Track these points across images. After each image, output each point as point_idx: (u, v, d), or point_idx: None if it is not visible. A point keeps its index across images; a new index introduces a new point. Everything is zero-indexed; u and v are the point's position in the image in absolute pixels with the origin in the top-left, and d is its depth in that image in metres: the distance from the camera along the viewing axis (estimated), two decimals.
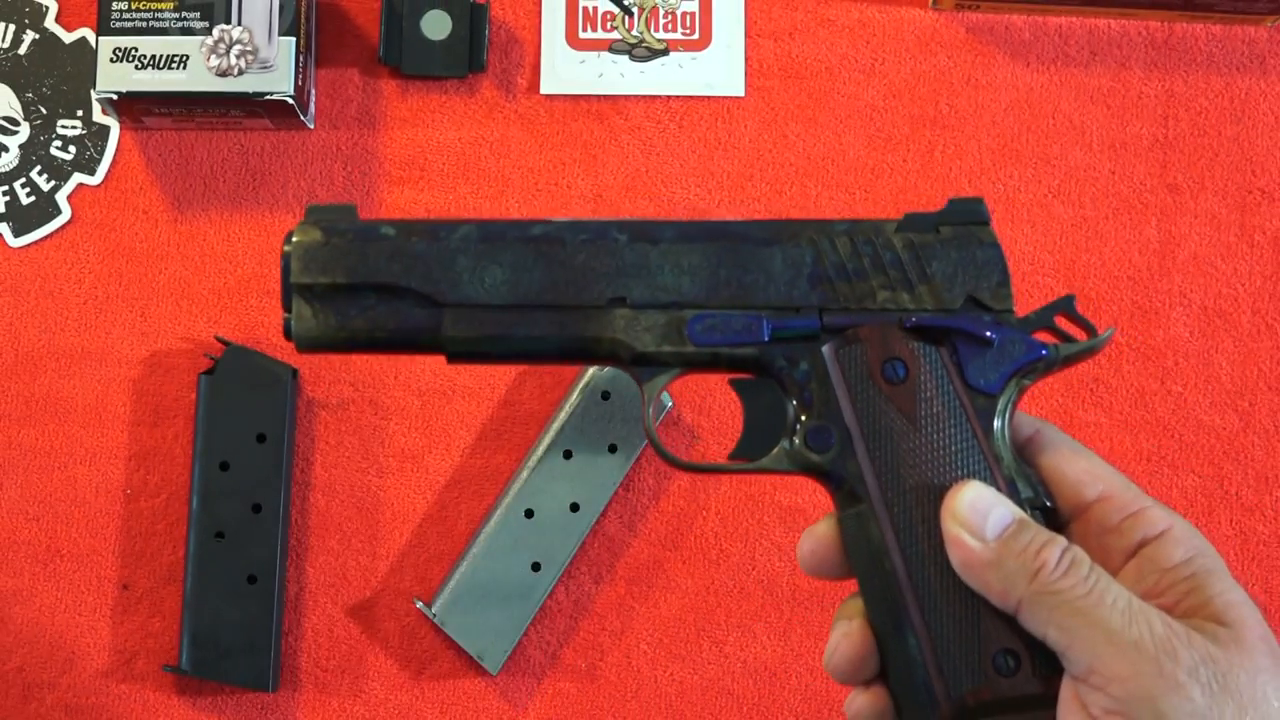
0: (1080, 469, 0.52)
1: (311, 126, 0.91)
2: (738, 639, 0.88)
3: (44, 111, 0.91)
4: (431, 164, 0.91)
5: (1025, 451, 0.54)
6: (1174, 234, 0.91)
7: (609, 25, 0.92)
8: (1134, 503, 0.51)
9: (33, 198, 0.91)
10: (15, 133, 0.91)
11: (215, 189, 0.91)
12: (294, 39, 0.86)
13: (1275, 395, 0.89)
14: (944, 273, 0.54)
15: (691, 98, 0.92)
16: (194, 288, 0.90)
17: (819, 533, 0.55)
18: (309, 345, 0.55)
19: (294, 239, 0.55)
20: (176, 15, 0.86)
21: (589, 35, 0.92)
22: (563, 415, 0.87)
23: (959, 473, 0.52)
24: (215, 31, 0.86)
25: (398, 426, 0.89)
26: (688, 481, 0.89)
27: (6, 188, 0.91)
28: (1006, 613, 0.49)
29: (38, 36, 0.92)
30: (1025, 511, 0.51)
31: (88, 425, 0.89)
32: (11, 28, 0.92)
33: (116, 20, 0.86)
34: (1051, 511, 0.52)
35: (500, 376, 0.90)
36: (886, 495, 0.52)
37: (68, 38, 0.92)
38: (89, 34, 0.91)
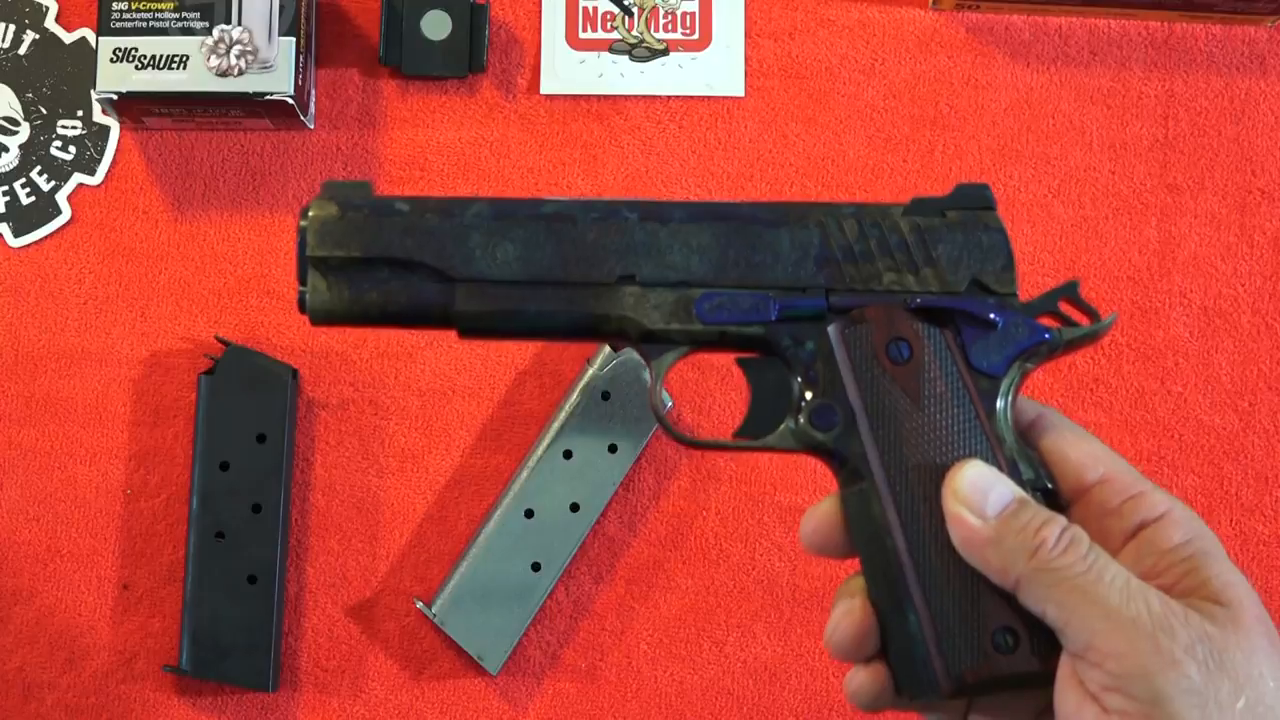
0: (1082, 452, 0.53)
1: (311, 126, 0.91)
2: (738, 639, 0.88)
3: (44, 111, 0.91)
4: (431, 164, 0.91)
5: (1028, 435, 0.54)
6: (1174, 234, 0.91)
7: (609, 25, 0.92)
8: (1134, 486, 0.51)
9: (33, 198, 0.91)
10: (15, 133, 0.91)
11: (215, 189, 0.91)
12: (294, 39, 0.86)
13: (1275, 395, 0.89)
14: (949, 256, 0.54)
15: (691, 98, 0.92)
16: (194, 288, 0.90)
17: (822, 511, 0.55)
18: (323, 318, 0.56)
19: (310, 213, 0.55)
20: (176, 15, 0.86)
21: (589, 35, 0.92)
22: (563, 415, 0.87)
23: (961, 452, 0.52)
24: (215, 31, 0.86)
25: (398, 426, 0.89)
26: (688, 481, 0.89)
27: (6, 188, 0.91)
28: (1006, 591, 0.50)
29: (38, 36, 0.92)
30: (1026, 492, 0.51)
31: (88, 425, 0.89)
32: (11, 28, 0.92)
33: (116, 20, 0.86)
34: (1052, 493, 0.52)
35: (500, 376, 0.90)
36: (889, 474, 0.52)
37: (68, 38, 0.92)
38: (89, 34, 0.91)
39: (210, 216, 0.91)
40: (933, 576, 0.51)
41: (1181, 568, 0.49)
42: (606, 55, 0.92)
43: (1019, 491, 0.50)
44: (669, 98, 0.92)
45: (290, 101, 0.86)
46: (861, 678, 0.53)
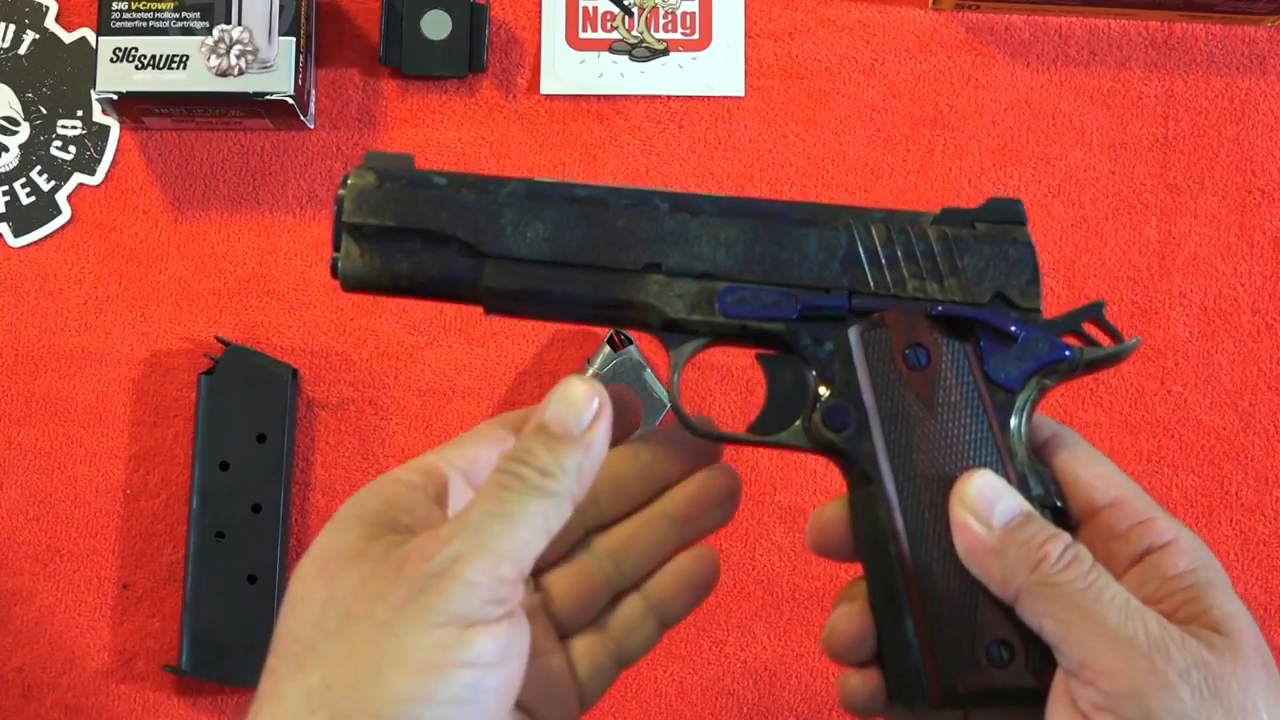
0: (1094, 474, 0.53)
1: (311, 126, 0.91)
2: (738, 639, 0.88)
3: (44, 111, 0.91)
4: (431, 164, 0.91)
5: (1042, 452, 0.54)
6: (1174, 234, 0.91)
7: (609, 25, 0.92)
8: (1144, 512, 0.51)
9: (33, 198, 0.91)
10: (15, 133, 0.91)
11: (215, 189, 0.91)
12: (294, 39, 0.86)
13: (1275, 395, 0.89)
14: (975, 267, 0.54)
15: (691, 98, 0.92)
16: (194, 288, 0.90)
17: (828, 513, 0.55)
18: (354, 284, 0.56)
19: (349, 181, 0.56)
20: (176, 15, 0.86)
21: (589, 35, 0.92)
22: None
23: (971, 462, 0.52)
24: (215, 31, 0.86)
25: (398, 426, 0.89)
26: None
27: (6, 188, 0.91)
28: (1005, 604, 0.50)
29: (38, 36, 0.92)
30: (1034, 508, 0.51)
31: (88, 425, 0.89)
32: (11, 28, 0.92)
33: (116, 20, 0.86)
34: (1061, 512, 0.52)
35: (500, 376, 0.90)
36: (897, 478, 0.52)
37: (68, 38, 0.92)
38: (89, 34, 0.91)
39: (210, 216, 0.91)
40: (932, 584, 0.51)
41: (1184, 595, 0.49)
42: (606, 55, 0.92)
43: (1026, 505, 0.50)
44: (669, 98, 0.92)
45: (290, 101, 0.86)
46: (854, 681, 0.53)
